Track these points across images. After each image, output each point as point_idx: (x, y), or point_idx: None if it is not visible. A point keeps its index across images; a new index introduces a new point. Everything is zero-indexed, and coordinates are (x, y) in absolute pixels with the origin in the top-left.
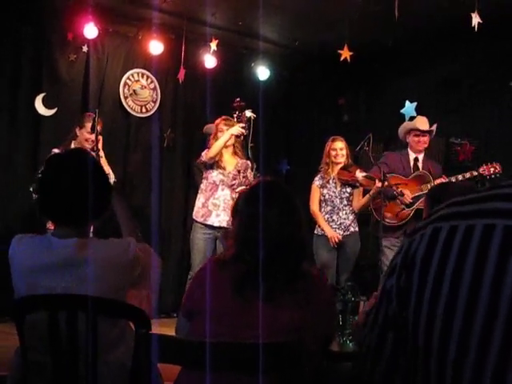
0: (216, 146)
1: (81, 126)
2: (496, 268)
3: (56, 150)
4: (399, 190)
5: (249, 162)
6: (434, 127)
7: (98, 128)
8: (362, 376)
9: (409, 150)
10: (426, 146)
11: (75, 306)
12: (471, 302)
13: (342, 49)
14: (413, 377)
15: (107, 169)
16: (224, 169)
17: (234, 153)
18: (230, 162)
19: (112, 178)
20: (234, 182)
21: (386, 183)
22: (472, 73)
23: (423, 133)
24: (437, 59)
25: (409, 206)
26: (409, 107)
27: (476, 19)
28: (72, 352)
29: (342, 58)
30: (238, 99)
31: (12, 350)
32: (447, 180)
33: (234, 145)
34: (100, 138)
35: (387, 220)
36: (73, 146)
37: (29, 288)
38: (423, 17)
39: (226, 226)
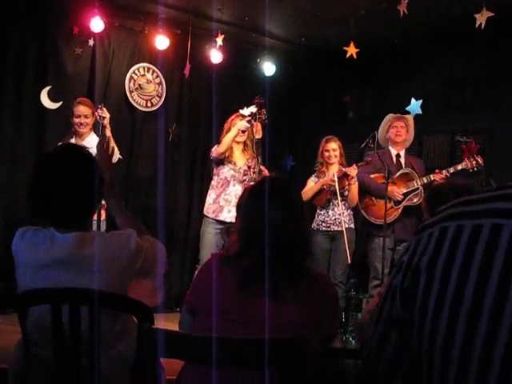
0: (225, 142)
1: (71, 113)
2: (503, 268)
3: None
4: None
5: (259, 158)
6: (409, 117)
7: (106, 117)
8: (366, 373)
9: (390, 147)
10: (403, 138)
11: (78, 300)
12: (477, 303)
13: (348, 45)
14: (416, 376)
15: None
16: (235, 164)
17: (245, 149)
18: (241, 157)
19: (117, 155)
20: (244, 177)
21: (390, 181)
22: (477, 70)
23: (398, 121)
24: (442, 57)
25: (397, 203)
26: (414, 104)
27: (483, 17)
28: (74, 345)
29: (348, 55)
30: (258, 96)
31: (14, 344)
32: (442, 173)
33: (244, 141)
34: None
35: (375, 219)
36: (73, 138)
37: (32, 283)
38: (429, 14)
39: None
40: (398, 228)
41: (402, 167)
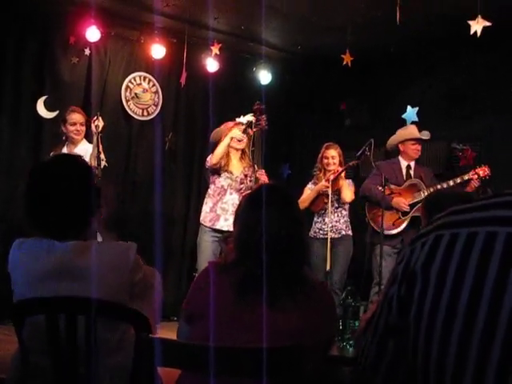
0: (218, 152)
1: (64, 121)
2: (498, 276)
3: (51, 155)
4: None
5: (255, 167)
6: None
7: (100, 125)
8: (362, 382)
9: (400, 158)
10: (420, 153)
11: (74, 309)
12: (471, 311)
13: (344, 53)
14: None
15: (95, 152)
16: (231, 173)
17: (242, 157)
18: (238, 166)
19: (103, 162)
20: (241, 186)
21: (387, 190)
22: (474, 78)
23: (420, 141)
24: (439, 64)
25: (404, 214)
26: (410, 112)
27: (478, 25)
28: (72, 355)
29: (344, 63)
30: (257, 102)
31: (11, 353)
32: (441, 186)
33: (243, 149)
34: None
35: (384, 229)
36: (65, 146)
37: (31, 293)
38: (425, 22)
39: None
40: (406, 238)
41: (411, 178)
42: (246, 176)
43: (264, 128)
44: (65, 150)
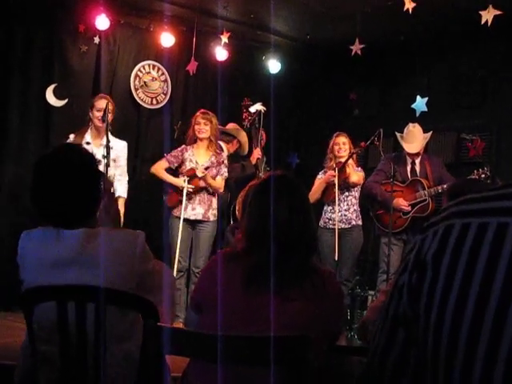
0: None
1: (91, 106)
2: (509, 267)
3: (72, 136)
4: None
5: (223, 155)
6: (423, 143)
7: (109, 116)
8: (372, 372)
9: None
10: (417, 151)
11: (83, 297)
12: (482, 300)
13: (354, 43)
14: (422, 373)
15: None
16: (197, 163)
17: (209, 146)
18: (204, 155)
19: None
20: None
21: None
22: (484, 68)
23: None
24: (449, 54)
25: (405, 213)
26: (419, 102)
27: (489, 14)
28: (80, 343)
29: (353, 52)
30: (246, 98)
31: (21, 341)
32: (442, 188)
33: (208, 137)
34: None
35: (384, 227)
36: (89, 131)
37: (41, 281)
38: (435, 11)
39: (201, 219)
40: (409, 238)
41: (416, 174)
42: (217, 163)
43: (247, 125)
44: (88, 136)
